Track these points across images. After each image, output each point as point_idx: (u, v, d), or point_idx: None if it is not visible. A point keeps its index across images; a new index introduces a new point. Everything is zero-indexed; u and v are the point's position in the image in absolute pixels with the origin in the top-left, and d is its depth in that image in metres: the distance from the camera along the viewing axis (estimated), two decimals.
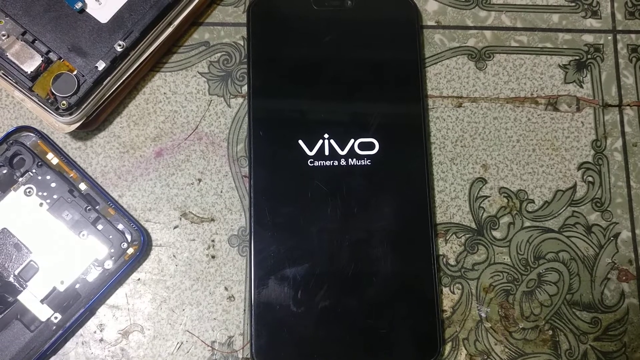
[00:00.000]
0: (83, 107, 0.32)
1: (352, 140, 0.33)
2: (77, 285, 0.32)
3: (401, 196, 0.33)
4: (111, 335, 0.32)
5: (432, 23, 0.37)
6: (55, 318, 0.31)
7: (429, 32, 0.37)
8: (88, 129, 0.34)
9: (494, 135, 0.35)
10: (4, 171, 0.32)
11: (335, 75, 0.34)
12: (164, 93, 0.35)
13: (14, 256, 0.32)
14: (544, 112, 0.36)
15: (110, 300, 0.33)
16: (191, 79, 0.35)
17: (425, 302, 0.32)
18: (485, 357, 0.33)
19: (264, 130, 0.33)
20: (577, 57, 0.37)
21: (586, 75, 0.36)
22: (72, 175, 0.33)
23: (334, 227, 0.32)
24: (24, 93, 0.32)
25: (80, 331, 0.32)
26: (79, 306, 0.31)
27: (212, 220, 0.34)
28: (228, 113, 0.35)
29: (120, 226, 0.32)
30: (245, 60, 0.35)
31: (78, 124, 0.32)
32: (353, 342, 0.31)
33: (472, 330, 0.33)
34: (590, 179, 0.35)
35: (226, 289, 0.33)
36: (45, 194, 0.32)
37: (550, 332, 0.33)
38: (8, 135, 0.33)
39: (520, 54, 0.37)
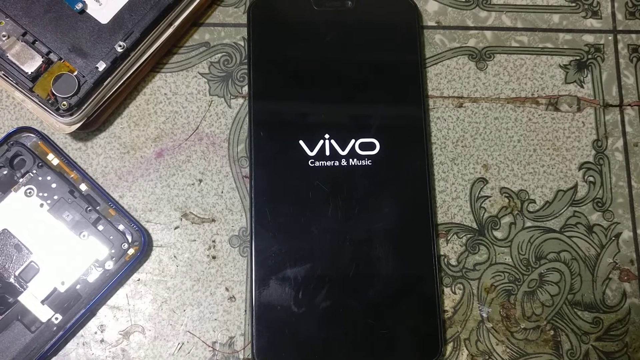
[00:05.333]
0: (83, 107, 0.32)
1: (352, 141, 0.33)
2: (78, 286, 0.32)
3: (402, 196, 0.33)
4: (112, 336, 0.32)
5: (433, 23, 0.37)
6: (56, 319, 0.31)
7: (429, 33, 0.37)
8: (88, 130, 0.34)
9: (494, 135, 0.35)
10: (5, 172, 0.32)
11: (336, 76, 0.34)
12: (165, 94, 0.35)
13: (14, 257, 0.32)
14: (544, 112, 0.36)
15: (111, 301, 0.33)
16: (192, 80, 0.35)
17: (426, 302, 0.32)
18: (487, 358, 0.33)
19: (265, 131, 0.33)
20: (578, 57, 0.37)
21: (587, 75, 0.36)
22: (72, 175, 0.33)
23: (335, 228, 0.32)
24: (24, 94, 0.32)
25: (81, 332, 0.32)
26: (79, 307, 0.31)
27: (213, 220, 0.34)
28: (228, 113, 0.35)
29: (121, 227, 0.32)
30: (246, 60, 0.35)
31: (78, 125, 0.32)
32: (354, 342, 0.31)
33: (474, 331, 0.33)
34: (591, 179, 0.35)
35: (227, 289, 0.33)
36: (45, 194, 0.32)
37: (552, 332, 0.33)
38: (8, 136, 0.33)
39: (520, 54, 0.37)
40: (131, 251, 0.32)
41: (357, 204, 0.33)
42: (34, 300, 0.31)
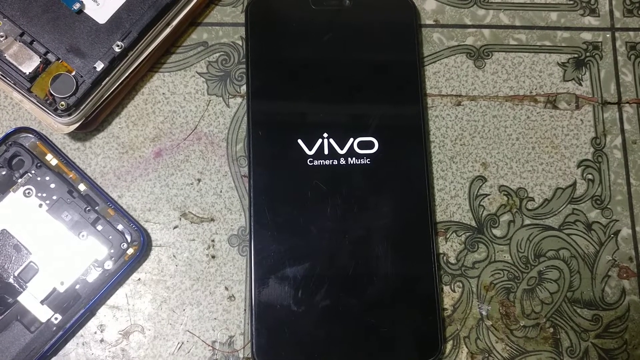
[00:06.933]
0: (82, 107, 0.32)
1: (351, 140, 0.33)
2: (77, 286, 0.31)
3: (401, 195, 0.33)
4: (112, 335, 0.32)
5: (431, 22, 0.37)
6: (56, 319, 0.31)
7: (427, 31, 0.37)
8: (87, 130, 0.34)
9: (493, 133, 0.35)
10: (3, 172, 0.32)
11: (334, 75, 0.34)
12: (163, 93, 0.35)
13: (13, 257, 0.31)
14: (543, 110, 0.36)
15: (111, 301, 0.33)
16: (190, 79, 0.35)
17: (425, 300, 0.32)
18: (487, 355, 0.33)
19: (263, 130, 0.33)
20: (576, 55, 0.37)
21: (585, 73, 0.36)
22: (71, 176, 0.33)
23: (333, 226, 0.32)
24: (22, 94, 0.32)
25: (81, 332, 0.32)
26: (79, 307, 0.31)
27: (212, 220, 0.34)
28: (227, 113, 0.35)
29: (120, 227, 0.32)
30: (244, 60, 0.35)
31: (77, 125, 0.32)
32: (354, 341, 0.31)
33: (473, 329, 0.33)
34: (590, 176, 0.35)
35: (226, 288, 0.33)
36: (44, 194, 0.32)
37: (551, 330, 0.33)
38: (7, 136, 0.33)
39: (518, 52, 0.37)
40: (130, 251, 0.32)
41: (355, 203, 0.33)
42: (33, 301, 0.31)
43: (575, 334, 0.33)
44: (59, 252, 0.32)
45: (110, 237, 0.32)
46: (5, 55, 0.31)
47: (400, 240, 0.33)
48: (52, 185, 0.32)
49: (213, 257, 0.33)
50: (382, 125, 0.34)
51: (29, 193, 0.32)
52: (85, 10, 0.32)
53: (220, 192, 0.34)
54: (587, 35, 0.37)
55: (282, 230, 0.32)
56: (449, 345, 0.33)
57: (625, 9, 0.38)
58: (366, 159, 0.33)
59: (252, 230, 0.32)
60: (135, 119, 0.35)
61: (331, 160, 0.33)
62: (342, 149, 0.33)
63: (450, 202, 0.35)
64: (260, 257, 0.32)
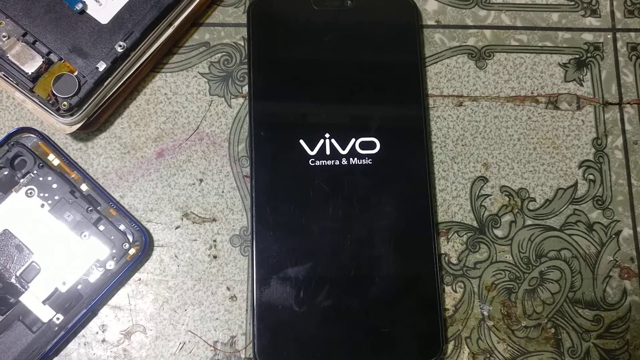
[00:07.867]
0: (84, 108, 0.32)
1: (353, 140, 0.33)
2: (79, 286, 0.32)
3: (402, 195, 0.33)
4: (113, 335, 0.32)
5: (432, 22, 0.37)
6: (57, 319, 0.31)
7: (429, 32, 0.37)
8: (89, 130, 0.34)
9: (494, 134, 0.35)
10: (5, 172, 0.32)
11: (336, 75, 0.34)
12: (165, 94, 0.35)
13: (15, 257, 0.32)
14: (544, 110, 0.36)
15: (112, 301, 0.33)
16: (192, 80, 0.35)
17: (427, 301, 0.32)
18: (488, 356, 0.33)
19: (265, 130, 0.33)
20: (577, 56, 0.37)
21: (586, 74, 0.36)
22: (73, 176, 0.33)
23: (335, 227, 0.32)
24: (24, 94, 0.32)
25: (83, 332, 0.32)
26: (81, 307, 0.31)
27: (214, 220, 0.34)
28: (229, 113, 0.35)
29: (122, 227, 0.32)
30: (246, 60, 0.35)
31: (79, 125, 0.32)
32: (355, 341, 0.31)
33: (475, 329, 0.33)
34: (591, 177, 0.35)
35: (228, 289, 0.33)
36: (46, 195, 0.32)
37: (553, 330, 0.33)
38: (9, 136, 0.33)
39: (520, 52, 0.37)
40: (132, 251, 0.32)
41: (357, 203, 0.33)
42: (35, 301, 0.31)
43: (576, 334, 0.33)
44: (60, 252, 0.32)
45: (112, 237, 0.32)
46: (8, 55, 0.31)
47: (402, 241, 0.33)
48: (54, 186, 0.32)
49: (215, 257, 0.33)
50: (383, 126, 0.34)
51: (31, 193, 0.32)
52: (88, 11, 0.32)
53: (222, 192, 0.34)
54: (588, 36, 0.37)
55: (284, 230, 0.32)
56: (450, 346, 0.33)
57: (627, 10, 0.38)
58: (368, 159, 0.33)
59: (254, 230, 0.32)
60: (138, 119, 0.35)
61: (333, 161, 0.33)
62: (343, 149, 0.33)
63: (451, 202, 0.35)
64: (262, 257, 0.32)
